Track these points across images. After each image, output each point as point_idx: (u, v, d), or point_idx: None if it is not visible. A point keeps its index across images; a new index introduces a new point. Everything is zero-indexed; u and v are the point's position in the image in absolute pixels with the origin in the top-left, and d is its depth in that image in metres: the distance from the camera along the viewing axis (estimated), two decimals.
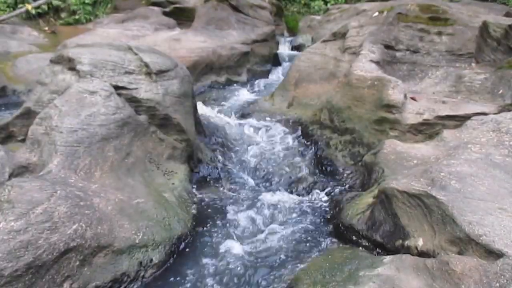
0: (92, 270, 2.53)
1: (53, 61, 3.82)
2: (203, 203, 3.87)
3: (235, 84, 8.37)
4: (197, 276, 2.94)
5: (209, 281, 2.90)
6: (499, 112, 4.03)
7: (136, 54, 3.96)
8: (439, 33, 5.54)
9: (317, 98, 5.75)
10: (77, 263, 2.45)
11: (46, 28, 10.19)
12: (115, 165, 3.30)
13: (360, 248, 3.08)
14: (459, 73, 5.03)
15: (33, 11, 10.26)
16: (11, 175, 2.95)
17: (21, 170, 3.06)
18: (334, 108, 5.02)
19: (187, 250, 3.21)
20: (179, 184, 3.82)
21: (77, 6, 11.14)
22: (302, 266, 2.95)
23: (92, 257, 2.55)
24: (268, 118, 5.90)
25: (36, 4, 10.39)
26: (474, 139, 3.46)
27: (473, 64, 5.27)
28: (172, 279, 2.90)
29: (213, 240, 3.36)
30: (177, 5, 10.98)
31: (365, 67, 4.91)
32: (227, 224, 3.59)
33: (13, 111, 3.84)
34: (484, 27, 5.49)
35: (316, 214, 3.84)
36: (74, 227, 2.45)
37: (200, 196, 3.96)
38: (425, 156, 3.56)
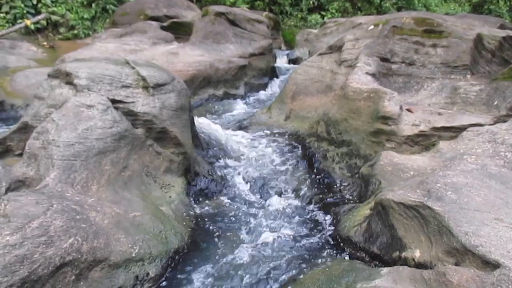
0: (88, 285, 2.51)
1: (51, 76, 3.83)
2: (200, 216, 3.86)
3: (232, 97, 8.41)
4: None
5: None
6: (495, 123, 4.06)
7: (133, 68, 3.99)
8: (434, 46, 5.59)
9: (314, 110, 5.79)
10: (73, 277, 2.43)
11: (45, 43, 10.28)
12: (111, 178, 3.30)
13: (358, 260, 3.07)
14: (454, 84, 5.07)
15: (32, 27, 10.37)
16: (7, 190, 2.95)
17: (18, 185, 3.06)
18: (330, 121, 5.05)
19: (184, 263, 3.19)
20: (176, 197, 3.81)
21: (75, 21, 11.27)
22: (299, 279, 2.94)
23: (88, 271, 2.53)
24: (265, 131, 5.92)
25: (35, 19, 10.51)
26: (470, 150, 3.48)
27: (468, 76, 5.31)
28: None
29: (210, 253, 3.34)
30: (175, 20, 11.13)
31: (361, 79, 4.94)
32: (224, 237, 3.58)
33: (11, 126, 3.85)
34: (479, 39, 5.55)
35: (313, 226, 3.83)
36: (70, 241, 2.44)
37: (197, 209, 3.95)
38: (421, 167, 3.58)
